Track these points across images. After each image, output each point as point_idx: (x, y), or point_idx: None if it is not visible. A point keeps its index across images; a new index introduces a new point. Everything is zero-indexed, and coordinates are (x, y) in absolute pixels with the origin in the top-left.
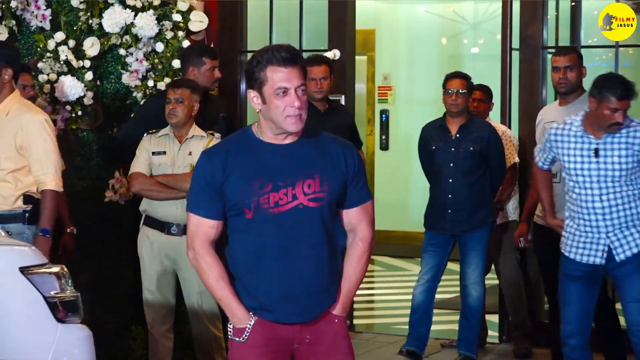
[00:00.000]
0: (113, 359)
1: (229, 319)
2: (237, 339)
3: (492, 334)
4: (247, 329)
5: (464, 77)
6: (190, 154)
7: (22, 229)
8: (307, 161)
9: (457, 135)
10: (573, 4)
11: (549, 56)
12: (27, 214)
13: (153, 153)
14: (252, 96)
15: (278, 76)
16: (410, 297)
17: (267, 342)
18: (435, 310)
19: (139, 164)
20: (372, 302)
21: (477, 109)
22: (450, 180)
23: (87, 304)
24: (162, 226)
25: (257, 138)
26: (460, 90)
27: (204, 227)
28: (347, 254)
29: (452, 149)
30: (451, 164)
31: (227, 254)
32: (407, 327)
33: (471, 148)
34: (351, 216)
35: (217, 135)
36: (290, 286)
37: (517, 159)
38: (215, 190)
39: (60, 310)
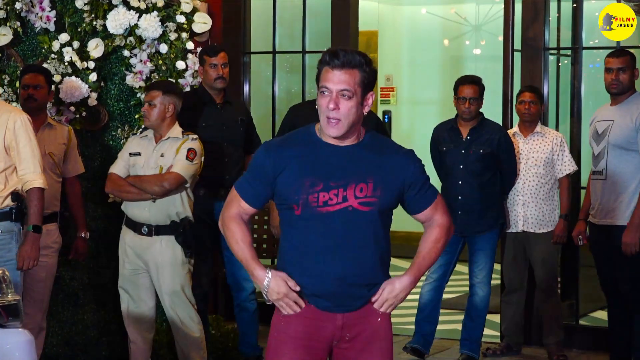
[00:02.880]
0: (116, 358)
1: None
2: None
3: (493, 334)
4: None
5: (476, 83)
6: (162, 155)
7: (10, 226)
8: (363, 165)
9: (468, 137)
10: (574, 5)
11: (551, 57)
12: (13, 212)
13: (130, 154)
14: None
15: (324, 76)
16: (412, 296)
17: (309, 336)
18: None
19: (117, 165)
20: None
21: (530, 110)
22: (460, 182)
23: (91, 304)
24: (135, 226)
25: (317, 137)
26: (473, 98)
27: (238, 204)
28: (424, 235)
29: (463, 151)
30: (461, 166)
31: (280, 243)
32: (409, 326)
33: (481, 150)
34: (425, 215)
35: (193, 136)
36: (328, 286)
37: (572, 168)
38: (262, 181)
39: (1, 314)
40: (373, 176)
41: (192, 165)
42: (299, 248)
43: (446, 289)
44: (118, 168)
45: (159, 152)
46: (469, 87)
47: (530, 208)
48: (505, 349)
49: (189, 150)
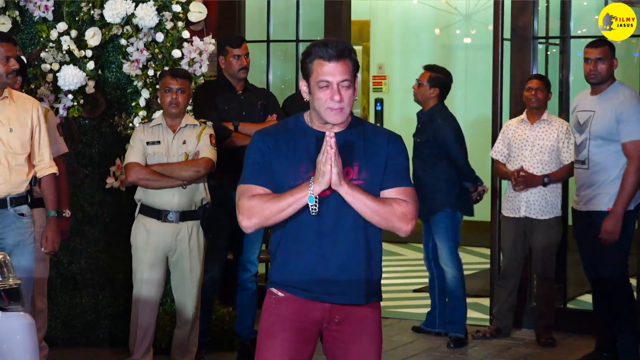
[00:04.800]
0: (114, 341)
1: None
2: (274, 292)
3: (483, 317)
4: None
5: (429, 69)
6: (184, 142)
7: (29, 210)
8: (349, 150)
9: (419, 126)
10: None
11: (540, 46)
12: (28, 196)
13: (147, 143)
14: (302, 85)
15: (322, 70)
16: (404, 280)
17: (298, 317)
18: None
19: (134, 154)
20: None
21: (536, 96)
22: (414, 169)
23: (89, 288)
24: (159, 214)
25: (307, 125)
26: (419, 81)
27: (252, 190)
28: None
29: (417, 139)
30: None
31: (271, 232)
32: (402, 310)
33: (418, 140)
34: (387, 195)
35: (209, 123)
36: (324, 268)
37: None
38: (266, 165)
39: (3, 298)
40: (358, 160)
41: (215, 150)
42: (293, 234)
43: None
44: (137, 157)
45: (180, 140)
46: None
47: (533, 194)
48: (495, 331)
49: (211, 136)
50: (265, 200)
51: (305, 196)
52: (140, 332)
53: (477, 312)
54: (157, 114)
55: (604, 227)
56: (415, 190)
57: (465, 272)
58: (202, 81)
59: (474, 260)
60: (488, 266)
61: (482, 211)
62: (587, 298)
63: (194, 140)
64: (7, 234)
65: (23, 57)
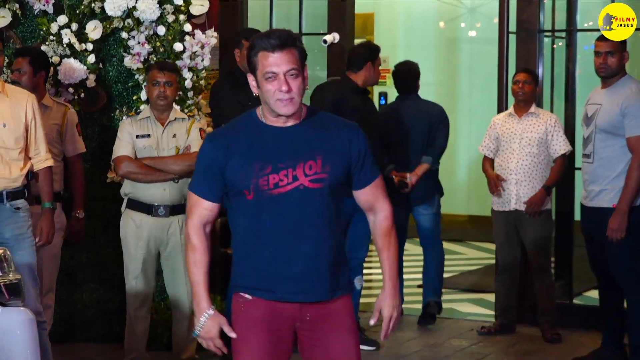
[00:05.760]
0: (115, 336)
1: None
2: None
3: (488, 313)
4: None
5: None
6: (174, 136)
7: (25, 204)
8: (309, 143)
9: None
10: None
11: (546, 39)
12: (25, 191)
13: (137, 136)
14: (251, 80)
15: (267, 61)
16: (407, 275)
17: (269, 319)
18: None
19: (124, 147)
20: (370, 281)
21: (523, 89)
22: None
23: (90, 283)
24: (149, 209)
25: (260, 121)
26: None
27: (200, 208)
28: (375, 234)
29: None
30: None
31: (232, 234)
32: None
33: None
34: (366, 195)
35: (198, 117)
36: (290, 266)
37: (567, 148)
38: (215, 174)
39: (2, 293)
40: (321, 152)
41: None
42: (256, 233)
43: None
44: (127, 151)
45: (169, 133)
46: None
47: (523, 187)
48: (499, 327)
49: (201, 129)
50: (198, 259)
51: (197, 311)
52: (135, 326)
53: (482, 308)
54: (144, 107)
55: (610, 225)
56: (381, 173)
57: (470, 268)
58: (204, 75)
59: (479, 255)
60: (492, 261)
61: (487, 206)
62: (594, 293)
63: (184, 134)
64: (4, 228)
65: (43, 48)
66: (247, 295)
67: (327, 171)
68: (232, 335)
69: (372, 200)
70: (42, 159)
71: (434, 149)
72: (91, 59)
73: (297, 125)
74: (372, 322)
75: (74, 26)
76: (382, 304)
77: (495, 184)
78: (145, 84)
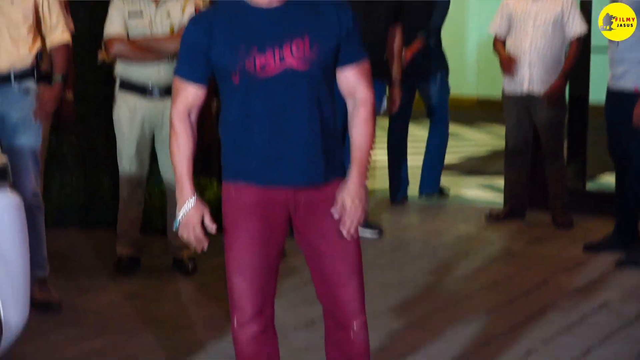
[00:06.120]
0: (108, 222)
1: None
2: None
3: (497, 198)
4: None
5: None
6: (168, 15)
7: (34, 85)
8: (295, 22)
9: None
10: None
11: None
12: (35, 71)
13: (129, 14)
14: None
15: None
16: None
17: (262, 205)
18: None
19: (115, 27)
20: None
21: None
22: None
23: (80, 168)
24: (143, 90)
25: (244, 2)
26: None
27: (184, 93)
28: (351, 121)
29: None
30: None
31: (220, 120)
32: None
33: None
34: (348, 77)
35: None
36: (280, 147)
37: (583, 28)
38: (200, 55)
39: None
40: (308, 31)
41: None
42: (244, 118)
43: (449, 153)
44: (119, 30)
45: (163, 12)
46: None
47: (536, 68)
48: (508, 212)
49: (196, 7)
50: (181, 144)
51: (179, 199)
52: (129, 211)
53: (492, 192)
54: None
55: (635, 111)
56: (367, 56)
57: (480, 151)
58: None
59: (488, 138)
60: (503, 145)
61: (497, 87)
62: (606, 179)
63: (179, 13)
64: (11, 110)
65: None
66: (238, 181)
67: (315, 51)
68: (212, 227)
69: (354, 84)
70: (59, 34)
71: (428, 26)
72: None
73: (283, 5)
74: (336, 215)
75: None
76: (343, 193)
77: (509, 64)
78: None
